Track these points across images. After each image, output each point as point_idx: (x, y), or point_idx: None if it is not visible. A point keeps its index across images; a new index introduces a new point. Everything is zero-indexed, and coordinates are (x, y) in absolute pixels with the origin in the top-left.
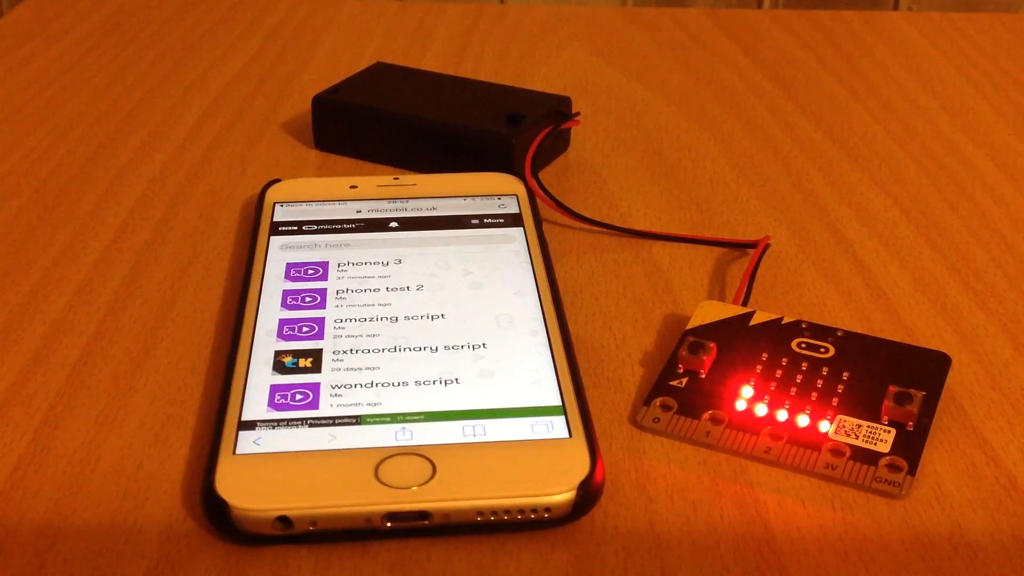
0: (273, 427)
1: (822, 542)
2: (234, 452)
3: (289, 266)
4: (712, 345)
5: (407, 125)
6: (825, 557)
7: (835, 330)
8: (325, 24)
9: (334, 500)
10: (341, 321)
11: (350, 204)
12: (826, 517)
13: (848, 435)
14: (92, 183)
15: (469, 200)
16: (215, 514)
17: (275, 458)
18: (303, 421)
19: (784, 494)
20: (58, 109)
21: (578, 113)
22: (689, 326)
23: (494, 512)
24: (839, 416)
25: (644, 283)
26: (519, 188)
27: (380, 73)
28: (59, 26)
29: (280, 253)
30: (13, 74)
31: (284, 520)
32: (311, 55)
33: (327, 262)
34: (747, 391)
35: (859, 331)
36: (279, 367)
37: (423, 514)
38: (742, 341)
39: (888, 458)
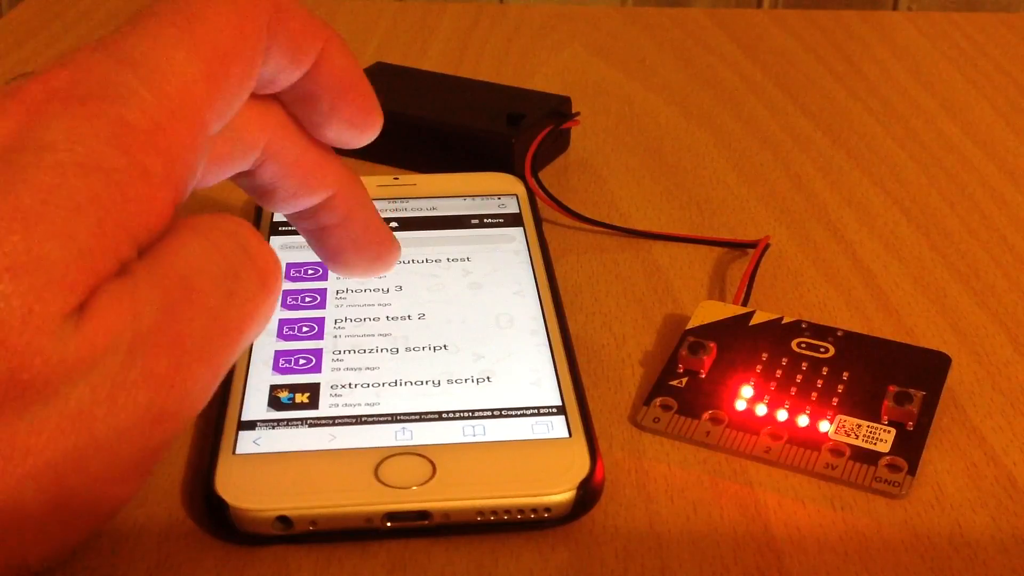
0: (273, 427)
1: (822, 542)
2: (234, 452)
3: (289, 266)
4: (712, 345)
5: (407, 125)
6: (825, 557)
7: (835, 330)
8: None
9: (334, 500)
10: (341, 321)
11: None
12: (826, 517)
13: (848, 435)
14: None
15: (469, 200)
16: (215, 514)
17: (275, 458)
18: (303, 421)
19: (784, 494)
20: None
21: (578, 113)
22: (689, 326)
23: (494, 512)
24: (839, 416)
25: (644, 283)
26: (519, 188)
27: (380, 73)
28: (60, 26)
29: (280, 253)
30: (13, 74)
31: (284, 520)
32: None
33: None
34: (747, 391)
35: (859, 331)
36: (275, 403)
37: (423, 514)
38: (742, 341)
39: (888, 458)
